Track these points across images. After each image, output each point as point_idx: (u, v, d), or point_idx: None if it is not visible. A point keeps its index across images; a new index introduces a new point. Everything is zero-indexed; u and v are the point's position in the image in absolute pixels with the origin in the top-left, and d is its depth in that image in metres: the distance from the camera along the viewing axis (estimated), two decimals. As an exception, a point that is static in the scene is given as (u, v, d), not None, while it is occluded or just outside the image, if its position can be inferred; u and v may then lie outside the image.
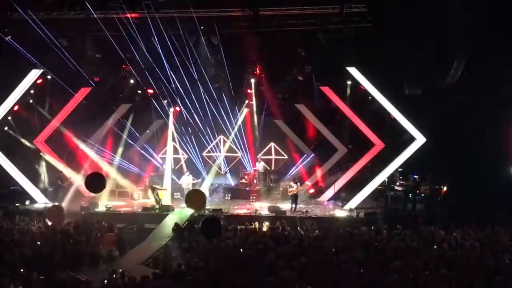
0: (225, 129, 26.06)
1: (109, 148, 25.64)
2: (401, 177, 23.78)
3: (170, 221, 19.46)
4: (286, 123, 26.94)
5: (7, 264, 12.43)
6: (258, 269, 12.06)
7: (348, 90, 24.12)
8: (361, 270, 12.05)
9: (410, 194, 22.56)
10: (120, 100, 25.45)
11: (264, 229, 18.31)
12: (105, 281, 11.73)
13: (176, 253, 15.11)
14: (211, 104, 24.37)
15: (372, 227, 17.99)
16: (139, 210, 21.81)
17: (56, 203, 20.85)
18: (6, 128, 23.37)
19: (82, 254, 14.65)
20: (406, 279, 11.33)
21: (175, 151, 26.07)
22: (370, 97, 22.96)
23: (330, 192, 24.53)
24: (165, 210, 21.40)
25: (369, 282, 11.26)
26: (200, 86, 23.46)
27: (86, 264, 14.37)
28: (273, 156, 27.73)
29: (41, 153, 23.96)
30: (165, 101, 24.19)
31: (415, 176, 23.29)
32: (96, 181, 14.42)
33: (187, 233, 17.62)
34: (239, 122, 26.12)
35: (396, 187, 23.27)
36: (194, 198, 16.73)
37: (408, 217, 20.48)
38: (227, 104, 24.93)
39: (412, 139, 22.60)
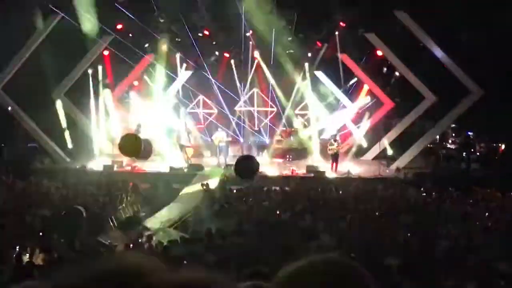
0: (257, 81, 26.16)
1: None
2: (454, 134, 23.45)
3: (199, 181, 19.60)
4: (327, 74, 26.64)
5: (25, 227, 12.71)
6: (295, 234, 12.07)
7: (396, 38, 23.63)
8: (408, 235, 11.98)
9: (464, 153, 22.23)
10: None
11: (302, 190, 18.31)
12: (131, 245, 11.88)
13: (206, 216, 15.22)
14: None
15: (421, 189, 17.85)
16: (166, 170, 22.04)
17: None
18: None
19: (106, 216, 14.88)
20: (458, 246, 11.22)
21: (205, 104, 26.19)
22: (421, 44, 22.51)
23: (375, 150, 24.35)
24: (194, 170, 21.57)
25: (417, 248, 11.19)
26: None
27: (110, 227, 14.59)
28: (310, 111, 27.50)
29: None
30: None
31: (469, 133, 22.92)
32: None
33: (218, 194, 17.76)
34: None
35: (449, 145, 22.99)
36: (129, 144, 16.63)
37: (461, 178, 20.22)
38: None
39: (467, 91, 22.16)
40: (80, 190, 17.01)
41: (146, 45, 25.02)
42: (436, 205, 15.22)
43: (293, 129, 25.99)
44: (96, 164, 22.66)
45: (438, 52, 22.09)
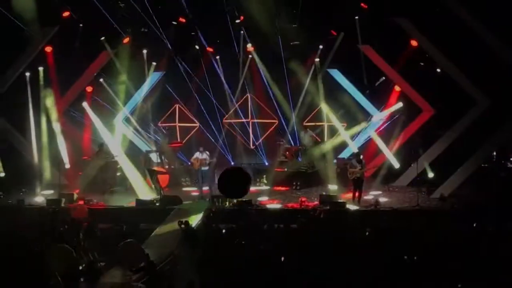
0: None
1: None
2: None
3: (176, 219, 19.42)
4: (344, 73, 26.64)
5: None
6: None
7: (437, 24, 23.67)
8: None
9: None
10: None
11: (314, 228, 18.17)
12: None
13: (186, 265, 15.08)
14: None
15: (474, 225, 17.70)
16: (131, 204, 21.87)
17: None
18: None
19: (49, 268, 14.68)
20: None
21: (183, 116, 26.19)
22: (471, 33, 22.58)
23: (410, 173, 24.28)
24: (169, 203, 21.46)
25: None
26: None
27: (55, 283, 14.40)
28: (325, 123, 27.46)
29: None
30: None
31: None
32: None
33: (202, 235, 17.60)
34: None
35: (510, 164, 22.93)
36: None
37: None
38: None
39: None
40: (15, 234, 16.81)
41: (102, 38, 24.98)
42: (496, 247, 15.06)
43: (300, 147, 25.90)
44: (37, 199, 22.45)
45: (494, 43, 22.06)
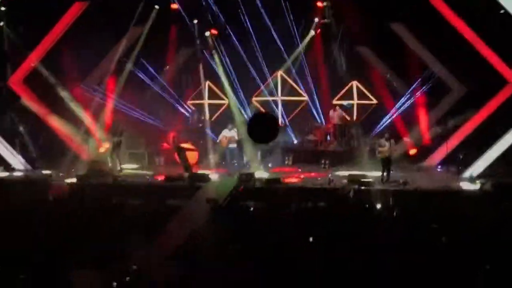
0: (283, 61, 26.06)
1: (113, 91, 25.83)
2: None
3: (204, 196, 19.50)
4: (375, 51, 26.48)
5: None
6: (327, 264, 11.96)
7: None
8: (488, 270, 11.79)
9: None
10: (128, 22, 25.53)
11: (342, 207, 18.15)
12: (114, 284, 11.78)
13: (214, 242, 15.11)
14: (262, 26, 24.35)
15: (503, 206, 17.59)
16: (160, 180, 21.97)
17: None
18: None
19: (79, 246, 14.77)
20: None
21: (212, 94, 26.17)
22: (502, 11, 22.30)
23: (440, 153, 24.14)
24: (197, 180, 21.54)
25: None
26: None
27: (85, 262, 14.44)
28: (355, 101, 27.36)
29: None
30: (196, 21, 24.20)
31: None
32: None
33: (229, 213, 17.64)
34: (301, 50, 25.93)
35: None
36: None
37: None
38: (288, 23, 24.80)
39: None
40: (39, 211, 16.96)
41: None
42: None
43: (329, 126, 25.85)
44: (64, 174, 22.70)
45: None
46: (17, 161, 24.29)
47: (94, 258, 13.88)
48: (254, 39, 25.89)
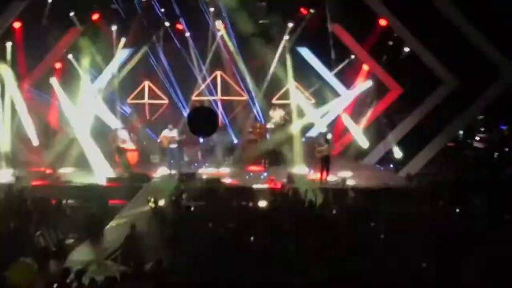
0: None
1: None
2: (483, 129, 23.58)
3: (145, 196, 19.45)
4: (313, 51, 26.67)
5: None
6: (274, 266, 12.03)
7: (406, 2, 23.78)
8: (424, 265, 12.02)
9: (497, 153, 22.42)
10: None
11: (283, 207, 18.26)
12: (54, 285, 11.73)
13: (155, 244, 15.11)
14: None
15: (440, 202, 17.91)
16: (101, 182, 21.86)
17: None
18: None
19: (16, 246, 14.65)
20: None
21: (152, 93, 26.12)
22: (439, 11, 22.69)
23: (378, 152, 24.45)
24: (137, 181, 21.49)
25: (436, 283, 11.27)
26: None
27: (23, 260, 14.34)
28: (293, 101, 27.43)
29: None
30: None
31: (503, 127, 23.12)
32: None
33: (171, 213, 17.64)
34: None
35: (476, 143, 23.12)
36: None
37: (494, 185, 20.31)
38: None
39: (497, 73, 22.35)
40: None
41: (72, 13, 24.79)
42: (462, 223, 15.26)
43: (268, 125, 25.97)
44: (2, 175, 22.41)
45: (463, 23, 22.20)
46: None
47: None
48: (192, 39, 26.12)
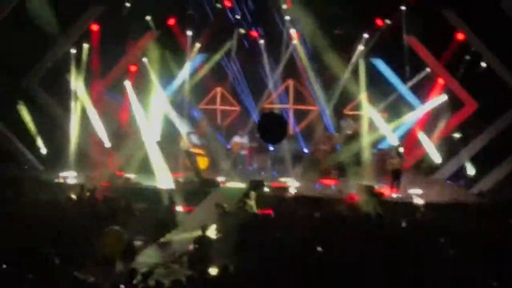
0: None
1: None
2: None
3: (213, 202, 19.49)
4: (387, 63, 26.48)
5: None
6: (340, 279, 11.94)
7: (485, 18, 23.44)
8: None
9: None
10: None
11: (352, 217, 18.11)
12: (121, 286, 11.83)
13: (222, 249, 15.13)
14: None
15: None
16: (170, 186, 21.98)
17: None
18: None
19: (87, 246, 14.84)
20: None
21: (223, 99, 26.23)
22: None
23: (450, 168, 24.12)
24: (207, 186, 21.58)
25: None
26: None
27: (95, 261, 14.53)
28: (365, 113, 27.24)
29: None
30: None
31: None
32: None
33: (238, 219, 17.64)
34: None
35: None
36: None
37: None
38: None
39: None
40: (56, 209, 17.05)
41: (148, 17, 25.10)
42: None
43: (337, 135, 25.82)
44: (74, 175, 22.85)
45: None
46: (29, 160, 24.35)
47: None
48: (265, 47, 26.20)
